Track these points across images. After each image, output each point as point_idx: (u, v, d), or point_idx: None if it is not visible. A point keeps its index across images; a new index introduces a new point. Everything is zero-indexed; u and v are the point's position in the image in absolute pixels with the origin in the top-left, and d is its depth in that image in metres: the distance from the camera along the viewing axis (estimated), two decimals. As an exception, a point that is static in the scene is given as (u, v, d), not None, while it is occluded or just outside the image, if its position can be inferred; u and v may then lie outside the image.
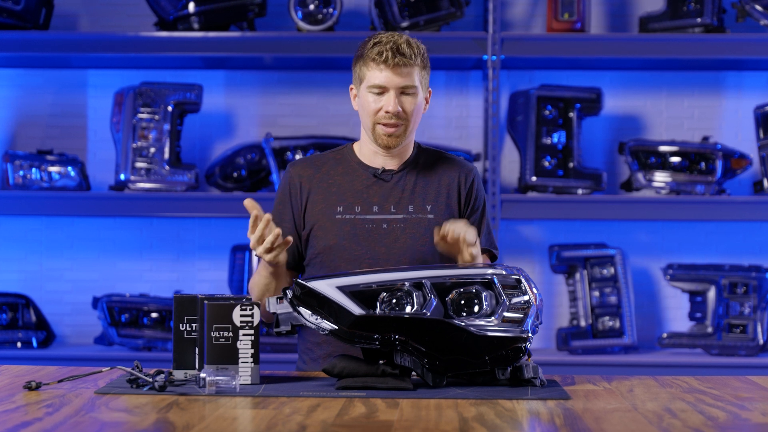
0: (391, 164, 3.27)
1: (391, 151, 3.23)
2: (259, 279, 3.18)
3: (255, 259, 5.33)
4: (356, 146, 3.32)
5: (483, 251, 3.27)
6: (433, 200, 3.24)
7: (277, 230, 2.98)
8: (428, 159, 3.31)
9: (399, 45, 3.12)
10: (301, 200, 3.25)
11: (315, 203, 3.24)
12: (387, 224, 3.19)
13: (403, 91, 3.14)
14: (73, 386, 2.67)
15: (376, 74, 3.13)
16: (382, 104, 3.14)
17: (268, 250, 3.00)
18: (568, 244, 5.48)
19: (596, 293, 5.39)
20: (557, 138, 5.42)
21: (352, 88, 3.26)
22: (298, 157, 5.28)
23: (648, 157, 5.39)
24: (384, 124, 3.16)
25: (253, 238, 2.99)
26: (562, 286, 5.63)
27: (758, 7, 5.36)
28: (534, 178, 5.40)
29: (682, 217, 5.43)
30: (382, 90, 3.14)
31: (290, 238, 3.02)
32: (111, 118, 5.45)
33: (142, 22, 5.62)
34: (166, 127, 5.40)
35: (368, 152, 3.27)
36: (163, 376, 2.62)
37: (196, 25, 5.37)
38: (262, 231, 2.97)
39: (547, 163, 5.39)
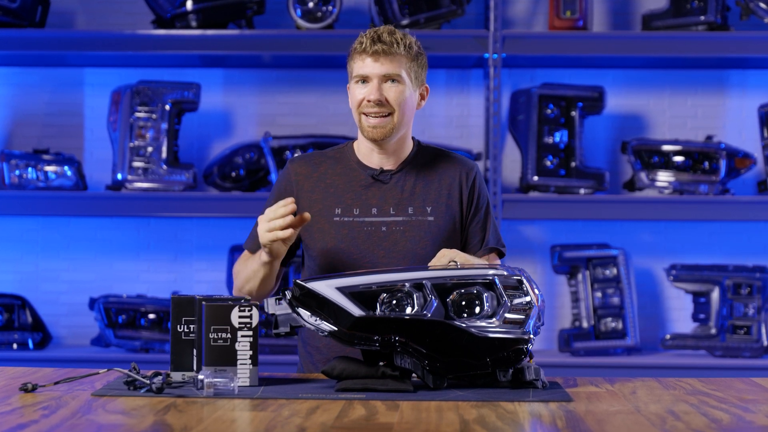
0: (389, 164, 3.24)
1: (381, 146, 3.20)
2: (247, 266, 3.16)
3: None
4: (355, 145, 3.30)
5: (490, 250, 3.27)
6: (434, 201, 3.22)
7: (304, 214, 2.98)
8: (428, 157, 3.28)
9: (380, 34, 3.13)
10: (298, 197, 3.21)
11: (312, 203, 3.21)
12: (386, 227, 3.18)
13: (386, 79, 3.13)
14: (70, 388, 2.65)
15: (359, 64, 3.14)
16: (364, 94, 3.13)
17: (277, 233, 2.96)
18: (570, 245, 5.47)
19: (598, 294, 5.38)
20: (559, 137, 5.41)
21: (349, 87, 3.25)
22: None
23: (651, 157, 5.38)
24: (367, 114, 3.14)
25: (274, 221, 2.95)
26: (564, 287, 5.61)
27: (762, 5, 5.37)
28: (536, 178, 5.39)
29: (686, 217, 5.42)
30: (365, 79, 3.14)
31: (308, 215, 2.99)
32: (108, 117, 5.44)
33: (140, 19, 5.62)
34: (164, 126, 5.39)
35: (365, 150, 3.25)
36: (160, 377, 2.60)
37: (194, 23, 5.37)
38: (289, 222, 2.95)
39: (548, 163, 5.38)
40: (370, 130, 3.14)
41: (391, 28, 3.16)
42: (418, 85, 3.19)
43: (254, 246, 3.20)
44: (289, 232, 2.94)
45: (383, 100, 3.12)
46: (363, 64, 3.13)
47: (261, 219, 2.98)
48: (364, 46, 3.12)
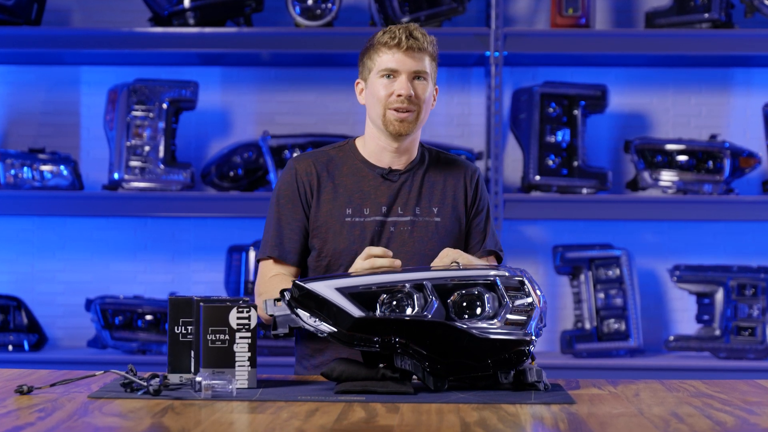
0: (398, 163, 3.22)
1: (401, 142, 3.18)
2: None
3: (253, 263, 5.28)
4: (359, 143, 3.27)
5: (488, 253, 3.25)
6: (440, 202, 3.21)
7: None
8: (432, 159, 3.28)
9: (411, 30, 3.12)
10: (311, 197, 3.20)
11: (322, 204, 3.19)
12: (394, 227, 3.16)
13: (415, 76, 3.12)
14: (66, 390, 2.65)
15: (388, 58, 3.11)
16: (393, 88, 3.11)
17: None
18: (573, 245, 5.45)
19: (601, 295, 5.36)
20: (561, 136, 5.39)
21: (358, 83, 3.23)
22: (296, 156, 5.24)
23: (654, 156, 5.37)
24: (395, 109, 3.11)
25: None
26: (566, 288, 5.59)
27: (767, 2, 5.31)
28: (537, 178, 5.37)
29: (689, 217, 5.41)
30: (393, 73, 3.11)
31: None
32: (104, 115, 5.43)
33: (137, 17, 5.61)
34: (161, 125, 5.37)
35: (375, 148, 3.22)
36: (157, 379, 2.60)
37: (191, 21, 5.35)
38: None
39: (551, 162, 5.36)
40: (397, 125, 3.12)
41: (417, 26, 3.16)
42: (433, 82, 3.19)
43: (279, 251, 3.17)
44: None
45: (413, 96, 3.10)
46: (392, 59, 3.10)
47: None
48: (397, 39, 3.09)
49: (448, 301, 2.65)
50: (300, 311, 2.63)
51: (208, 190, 5.53)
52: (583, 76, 5.56)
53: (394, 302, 2.63)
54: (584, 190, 5.35)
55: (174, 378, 2.72)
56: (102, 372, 2.78)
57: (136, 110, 5.36)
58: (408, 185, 3.19)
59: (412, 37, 3.09)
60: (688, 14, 5.34)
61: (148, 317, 5.35)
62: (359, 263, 2.89)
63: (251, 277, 5.35)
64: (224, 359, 2.64)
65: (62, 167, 5.37)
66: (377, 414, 2.36)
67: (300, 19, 5.34)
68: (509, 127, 5.54)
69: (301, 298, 2.63)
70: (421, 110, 3.12)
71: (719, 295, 5.35)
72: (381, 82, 3.12)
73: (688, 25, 5.34)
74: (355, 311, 2.60)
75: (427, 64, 3.12)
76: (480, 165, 5.48)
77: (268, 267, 3.19)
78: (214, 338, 2.63)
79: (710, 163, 5.34)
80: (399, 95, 3.09)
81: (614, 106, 5.57)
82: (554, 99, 5.40)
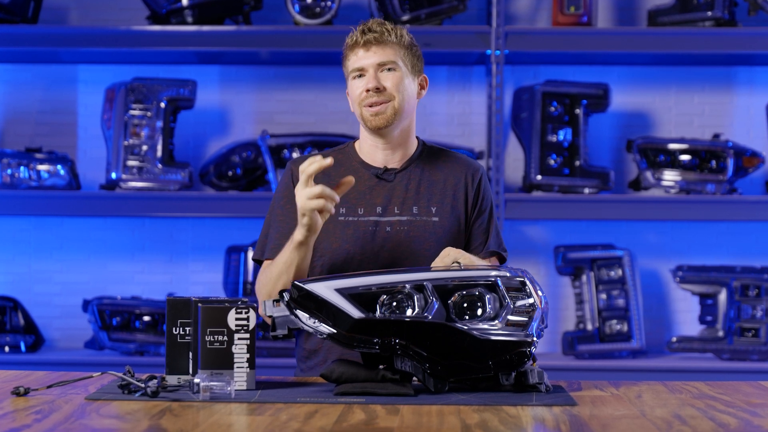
0: (394, 161, 3.22)
1: (385, 137, 3.18)
2: (276, 263, 3.05)
3: (252, 264, 5.27)
4: (357, 145, 3.28)
5: (491, 254, 3.24)
6: (438, 201, 3.20)
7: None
8: (433, 157, 3.27)
9: (369, 25, 3.15)
10: None
11: None
12: (390, 227, 3.15)
13: (381, 68, 3.13)
14: (63, 392, 2.65)
15: (354, 59, 3.15)
16: (363, 86, 3.13)
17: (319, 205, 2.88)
18: (575, 245, 5.44)
19: (603, 296, 5.35)
20: (563, 135, 5.38)
21: (348, 91, 3.24)
22: (295, 155, 5.25)
23: (657, 156, 5.36)
24: (368, 105, 3.12)
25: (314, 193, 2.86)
26: (568, 289, 5.58)
27: (770, 0, 5.34)
28: (539, 177, 5.35)
29: (692, 217, 5.40)
30: (361, 71, 3.14)
31: (351, 179, 2.95)
32: (102, 114, 5.43)
33: (134, 15, 5.60)
34: (159, 124, 5.36)
35: (368, 148, 3.23)
36: (155, 381, 2.59)
37: (189, 19, 5.35)
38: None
39: (552, 162, 5.35)
40: (372, 119, 3.12)
41: (380, 20, 3.18)
42: (415, 74, 3.19)
43: (272, 252, 3.15)
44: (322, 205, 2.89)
45: (381, 87, 3.10)
46: (357, 57, 3.14)
47: (298, 188, 2.90)
48: (355, 39, 3.13)
49: (449, 302, 2.64)
50: (299, 312, 2.62)
51: (207, 190, 5.52)
52: (585, 74, 5.55)
53: (394, 303, 2.62)
54: (586, 190, 5.33)
55: (172, 379, 2.73)
56: (99, 373, 2.77)
57: (134, 109, 5.34)
58: (404, 184, 3.19)
59: (370, 31, 3.12)
60: (690, 12, 5.32)
61: (146, 318, 5.33)
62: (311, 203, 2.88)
63: (250, 278, 5.34)
64: (223, 360, 2.63)
65: (59, 167, 5.35)
66: (377, 416, 2.35)
67: (299, 17, 5.33)
68: (510, 126, 5.53)
69: (300, 299, 2.62)
70: (395, 100, 3.12)
71: (722, 296, 5.33)
72: (354, 83, 3.15)
73: (690, 23, 5.33)
74: (355, 312, 2.59)
75: (394, 54, 3.12)
76: (481, 164, 5.46)
77: (265, 266, 3.18)
78: (212, 339, 2.63)
79: (713, 162, 5.33)
80: (368, 90, 3.10)
81: (616, 105, 5.55)
82: (556, 98, 5.38)
